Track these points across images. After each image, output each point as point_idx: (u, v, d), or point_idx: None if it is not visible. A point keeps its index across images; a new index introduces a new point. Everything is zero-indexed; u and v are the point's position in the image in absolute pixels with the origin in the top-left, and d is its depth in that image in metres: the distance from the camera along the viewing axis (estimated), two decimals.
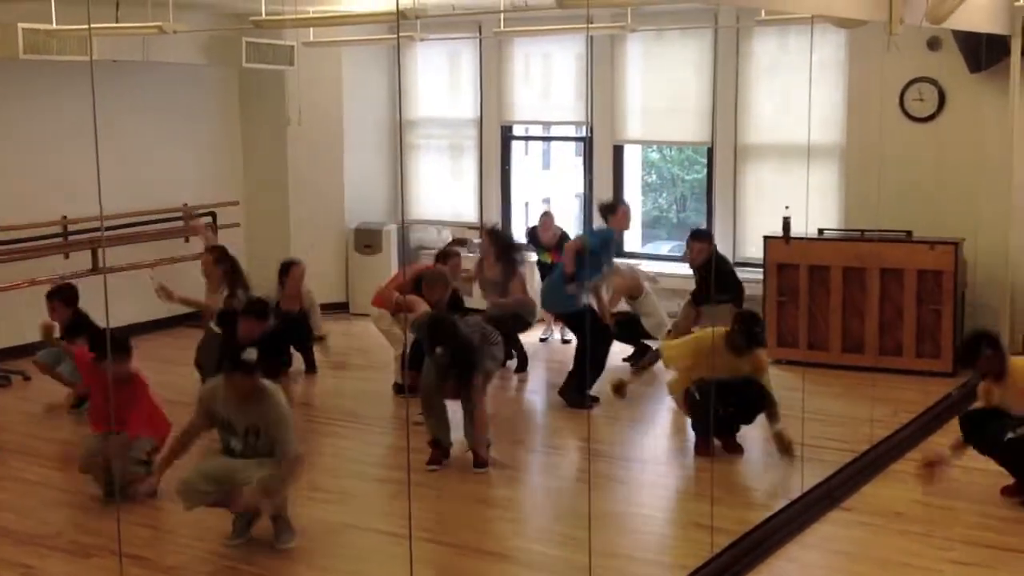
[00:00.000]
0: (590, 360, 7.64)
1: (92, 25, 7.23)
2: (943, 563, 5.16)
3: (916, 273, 8.40)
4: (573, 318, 8.05)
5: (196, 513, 5.72)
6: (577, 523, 5.41)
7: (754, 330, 6.63)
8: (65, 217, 8.91)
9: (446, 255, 8.50)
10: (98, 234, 8.82)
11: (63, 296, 7.55)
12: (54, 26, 7.71)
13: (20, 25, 7.88)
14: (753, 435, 7.40)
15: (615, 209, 8.30)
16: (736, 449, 6.73)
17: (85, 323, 7.32)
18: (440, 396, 6.52)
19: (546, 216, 9.60)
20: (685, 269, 9.59)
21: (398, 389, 8.03)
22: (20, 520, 5.80)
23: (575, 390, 7.66)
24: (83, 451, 6.08)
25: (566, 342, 9.36)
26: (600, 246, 8.09)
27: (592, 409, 7.50)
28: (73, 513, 5.83)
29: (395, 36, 10.00)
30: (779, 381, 8.26)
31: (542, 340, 9.68)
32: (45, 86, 9.16)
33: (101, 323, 6.64)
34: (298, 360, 8.72)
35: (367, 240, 10.82)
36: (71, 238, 9.22)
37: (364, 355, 9.11)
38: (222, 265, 7.87)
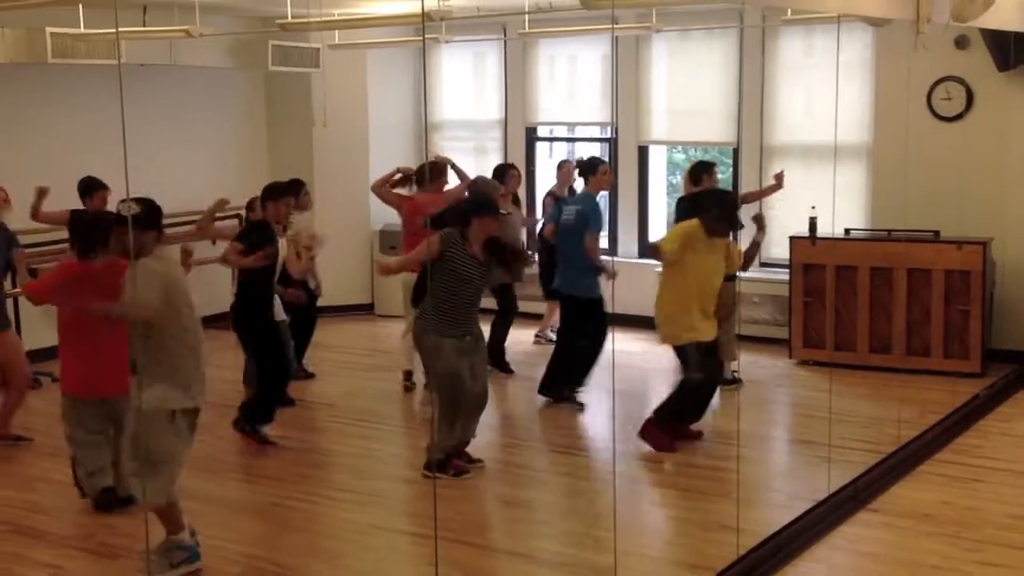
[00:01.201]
0: (588, 353, 7.57)
1: (120, 29, 7.29)
2: (972, 564, 5.12)
3: (944, 273, 8.34)
4: (584, 305, 7.62)
5: (223, 515, 5.78)
6: (602, 524, 5.41)
7: (729, 210, 6.67)
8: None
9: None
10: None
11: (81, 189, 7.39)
12: (82, 30, 7.79)
13: (48, 29, 7.96)
14: (778, 433, 7.40)
15: (595, 169, 7.76)
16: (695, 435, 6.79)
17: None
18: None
19: (565, 163, 9.51)
20: None
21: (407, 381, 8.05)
22: (50, 521, 5.85)
23: (563, 383, 7.70)
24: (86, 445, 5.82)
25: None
26: (576, 221, 7.57)
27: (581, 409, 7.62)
28: (102, 515, 5.86)
29: (420, 38, 10.04)
30: (806, 382, 8.30)
31: (539, 339, 9.66)
32: (73, 90, 9.25)
33: None
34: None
35: (392, 242, 10.82)
36: None
37: (388, 357, 9.12)
38: None
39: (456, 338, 6.09)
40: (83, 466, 5.87)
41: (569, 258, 7.63)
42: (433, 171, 8.35)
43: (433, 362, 6.16)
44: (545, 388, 7.83)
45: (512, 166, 9.18)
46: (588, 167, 7.81)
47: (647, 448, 6.69)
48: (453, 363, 6.08)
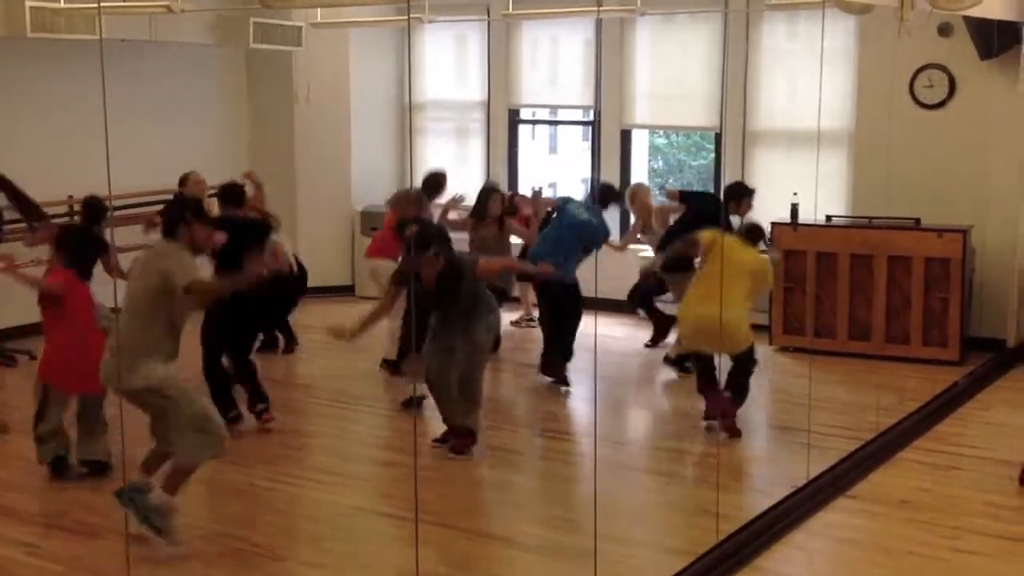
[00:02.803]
0: (562, 339, 7.76)
1: (101, 3, 7.20)
2: (949, 552, 5.15)
3: (924, 260, 8.36)
4: (553, 288, 7.81)
5: (202, 495, 5.74)
6: (581, 508, 5.42)
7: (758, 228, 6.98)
8: (71, 197, 8.90)
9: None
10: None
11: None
12: (62, 4, 7.70)
13: (28, 3, 7.85)
14: (757, 420, 7.42)
15: (619, 197, 8.11)
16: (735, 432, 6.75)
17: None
18: (446, 376, 6.41)
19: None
20: None
21: (391, 366, 7.98)
22: (25, 499, 5.82)
23: (554, 365, 7.81)
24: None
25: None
26: (577, 231, 7.78)
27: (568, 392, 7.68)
28: (78, 493, 5.83)
29: (403, 18, 9.97)
30: (786, 368, 8.33)
31: (515, 324, 9.63)
32: (52, 64, 9.14)
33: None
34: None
35: (373, 223, 10.76)
36: (77, 218, 9.19)
37: (369, 338, 9.04)
38: None
39: None
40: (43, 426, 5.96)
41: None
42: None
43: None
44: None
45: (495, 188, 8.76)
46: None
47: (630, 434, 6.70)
48: None
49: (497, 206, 8.17)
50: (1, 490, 5.96)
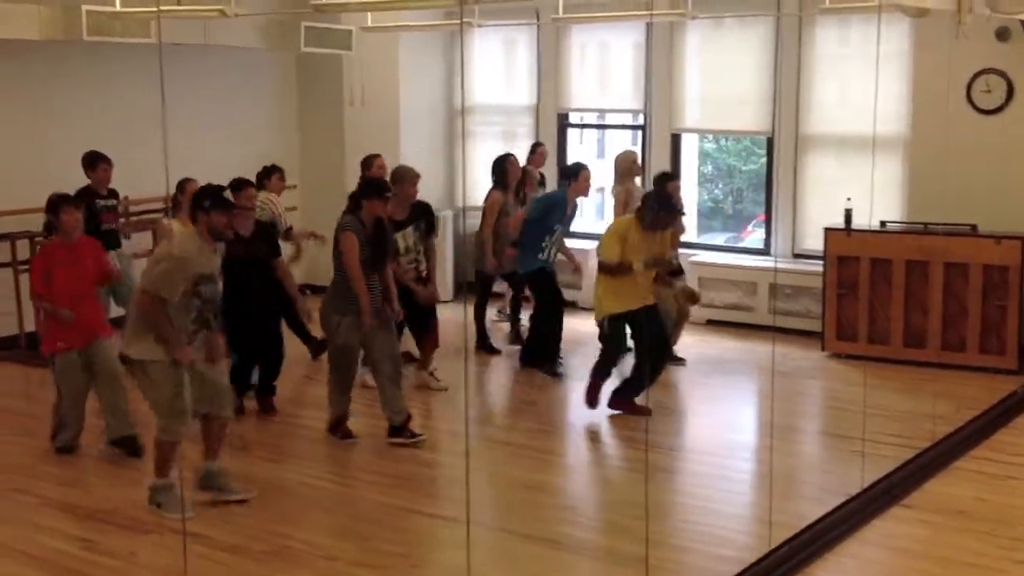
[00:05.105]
0: (549, 327, 8.09)
1: (160, 8, 7.29)
2: (1008, 563, 5.05)
3: (981, 268, 8.22)
4: (533, 277, 8.29)
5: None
6: (631, 513, 5.37)
7: (665, 203, 7.07)
8: (127, 197, 9.01)
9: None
10: (159, 215, 8.88)
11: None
12: (118, 8, 7.79)
13: (84, 7, 7.97)
14: (811, 428, 7.34)
15: (576, 174, 8.24)
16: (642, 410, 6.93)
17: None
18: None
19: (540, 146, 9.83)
20: (739, 259, 9.56)
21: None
22: (82, 495, 5.88)
23: (536, 355, 8.12)
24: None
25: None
26: (545, 212, 8.17)
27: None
28: (134, 489, 5.87)
29: (452, 22, 9.99)
30: (839, 375, 8.23)
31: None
32: (108, 68, 9.28)
33: None
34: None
35: None
36: (132, 219, 9.33)
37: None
38: None
39: (354, 315, 6.43)
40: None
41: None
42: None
43: (332, 337, 6.61)
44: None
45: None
46: (570, 172, 8.36)
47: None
48: (349, 338, 6.53)
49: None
50: (56, 485, 6.04)
